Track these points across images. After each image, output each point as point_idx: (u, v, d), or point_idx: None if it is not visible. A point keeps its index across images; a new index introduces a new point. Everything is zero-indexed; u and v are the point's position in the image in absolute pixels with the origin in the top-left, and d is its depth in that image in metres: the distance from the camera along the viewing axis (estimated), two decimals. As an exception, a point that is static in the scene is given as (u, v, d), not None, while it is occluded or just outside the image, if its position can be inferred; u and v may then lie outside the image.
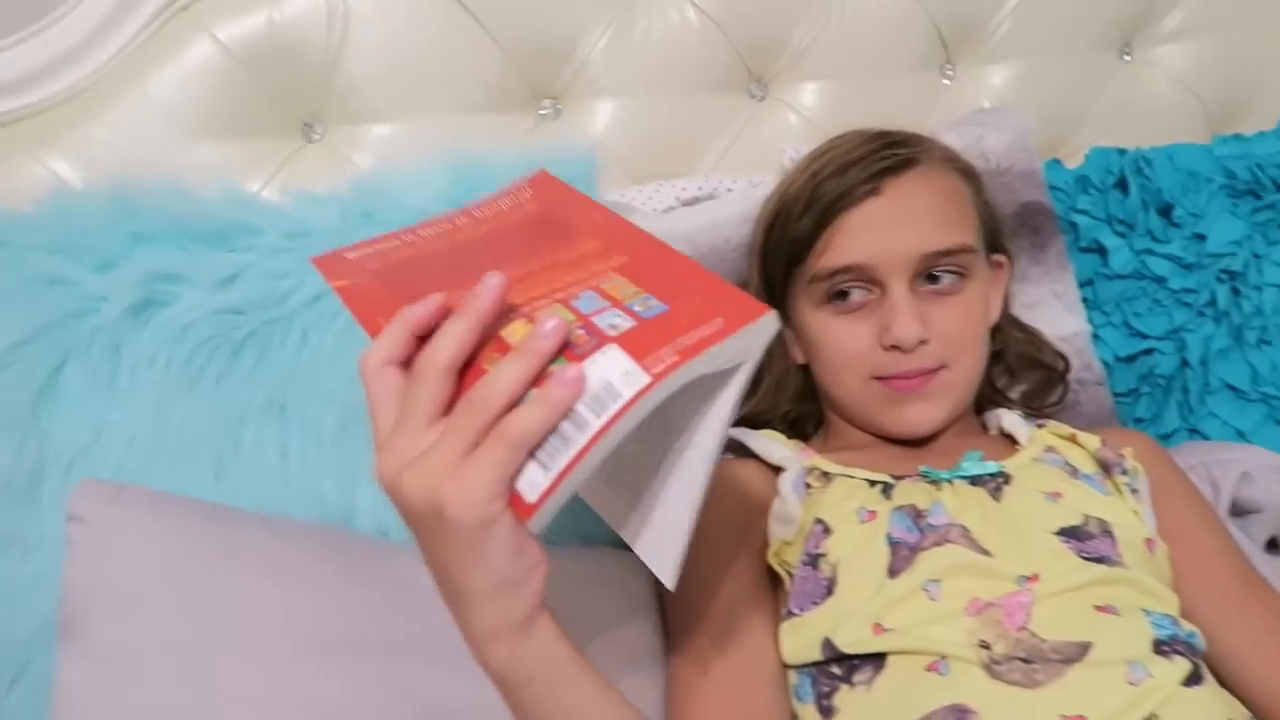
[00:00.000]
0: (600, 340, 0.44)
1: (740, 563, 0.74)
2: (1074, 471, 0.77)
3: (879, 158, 0.80)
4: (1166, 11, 1.31)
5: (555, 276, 0.49)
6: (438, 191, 0.82)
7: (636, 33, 1.10)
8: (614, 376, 0.42)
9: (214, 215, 0.84)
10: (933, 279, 0.80)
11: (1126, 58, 1.32)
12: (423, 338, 0.46)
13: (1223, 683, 0.68)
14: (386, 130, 1.04)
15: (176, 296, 0.80)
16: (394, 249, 0.56)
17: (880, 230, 0.79)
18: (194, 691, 0.64)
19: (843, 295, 0.81)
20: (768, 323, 0.45)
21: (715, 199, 1.02)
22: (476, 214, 0.59)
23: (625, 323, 0.45)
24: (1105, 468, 0.78)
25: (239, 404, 0.79)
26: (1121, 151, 1.11)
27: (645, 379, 0.42)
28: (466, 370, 0.45)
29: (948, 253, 0.79)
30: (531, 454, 0.43)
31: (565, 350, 0.44)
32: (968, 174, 0.86)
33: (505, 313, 0.46)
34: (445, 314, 0.46)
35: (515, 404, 0.43)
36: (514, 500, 0.43)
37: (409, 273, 0.53)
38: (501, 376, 0.43)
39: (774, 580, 0.75)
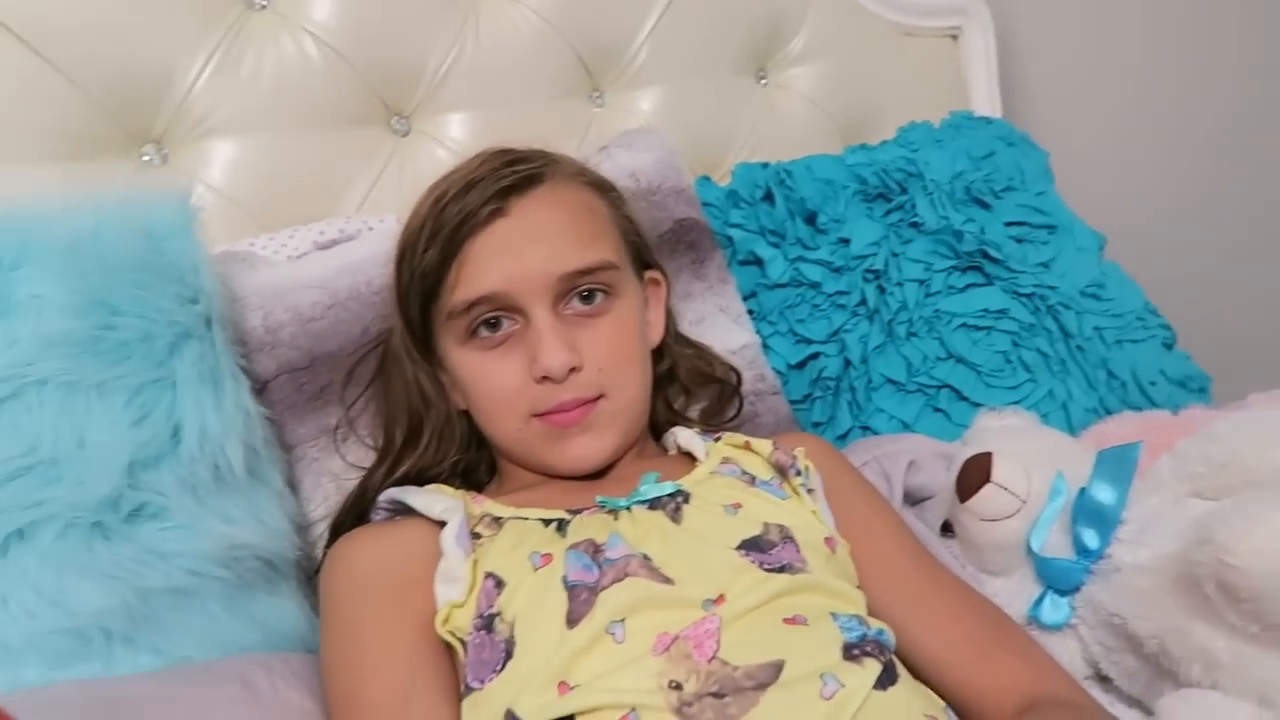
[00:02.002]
0: None
1: (405, 643, 0.64)
2: (752, 480, 0.75)
3: (500, 176, 0.74)
4: (790, 37, 1.39)
5: None
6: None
7: (245, 66, 0.99)
8: None
9: None
10: (578, 300, 0.75)
11: (763, 81, 1.38)
12: None
13: (916, 673, 0.67)
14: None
15: None
16: None
17: (511, 254, 0.73)
18: None
19: (489, 328, 0.74)
20: None
21: (355, 240, 0.92)
22: None
23: None
24: (781, 471, 0.76)
25: None
26: (765, 165, 1.14)
27: None
28: None
29: (587, 271, 0.74)
30: None
31: None
32: (601, 188, 0.83)
33: None
34: None
35: None
36: None
37: None
38: None
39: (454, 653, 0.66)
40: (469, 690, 0.62)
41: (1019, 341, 1.04)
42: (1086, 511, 0.83)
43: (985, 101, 1.50)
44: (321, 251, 0.91)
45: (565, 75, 1.20)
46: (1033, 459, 0.87)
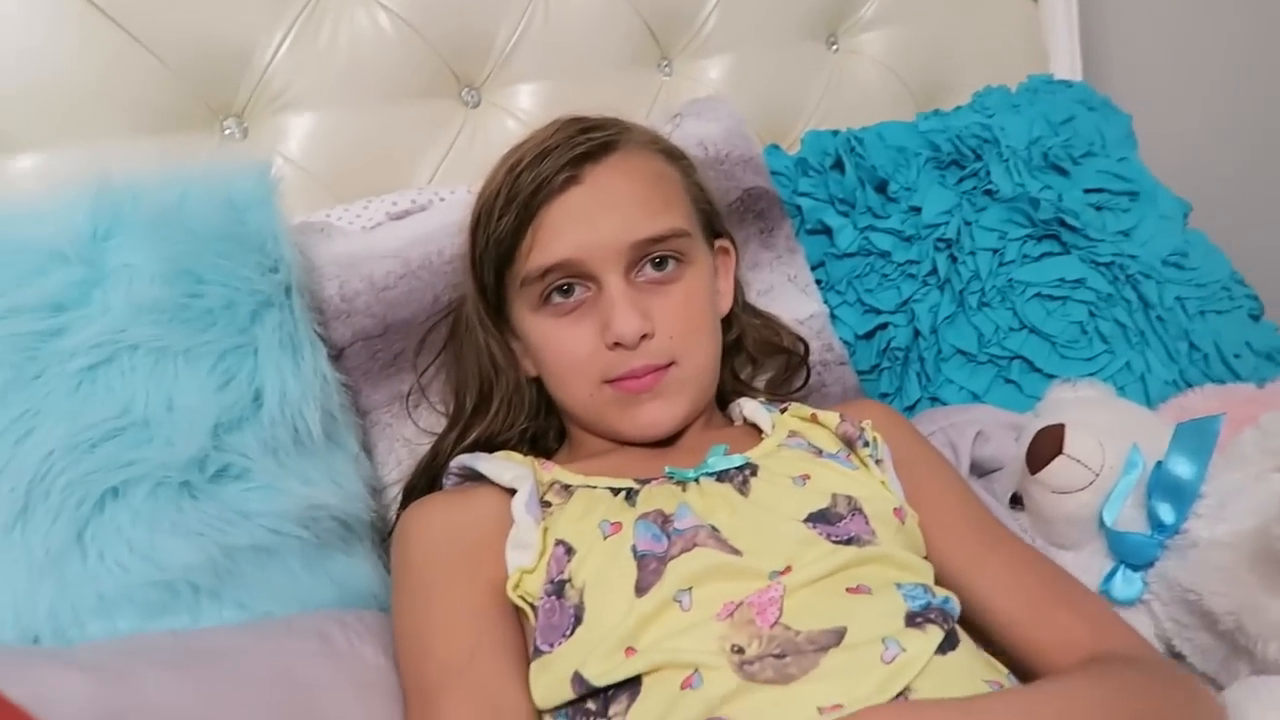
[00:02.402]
0: None
1: (473, 605, 0.66)
2: (819, 452, 0.75)
3: (575, 144, 0.74)
4: (863, 1, 1.36)
5: None
6: (74, 226, 0.69)
7: (321, 40, 1.01)
8: None
9: None
10: (651, 267, 0.75)
11: (834, 46, 1.36)
12: None
13: (980, 635, 0.67)
14: (27, 162, 0.89)
15: None
16: None
17: (585, 221, 0.73)
18: None
19: (562, 294, 0.75)
20: None
21: (427, 210, 0.94)
22: None
23: None
24: (848, 443, 0.76)
25: None
26: (835, 133, 1.13)
27: None
28: None
29: (659, 239, 0.75)
30: None
31: None
32: (673, 156, 0.83)
33: None
34: None
35: None
36: None
37: None
38: None
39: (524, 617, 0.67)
40: (538, 653, 0.63)
41: (1096, 312, 1.01)
42: (1163, 485, 0.81)
43: (1066, 64, 1.45)
44: (395, 222, 0.93)
45: (634, 44, 1.20)
46: (1107, 431, 0.85)
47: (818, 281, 1.04)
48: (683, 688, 0.57)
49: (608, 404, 0.76)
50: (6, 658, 0.61)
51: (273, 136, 1.01)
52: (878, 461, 0.75)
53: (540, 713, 0.64)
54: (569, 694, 0.60)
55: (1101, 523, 0.83)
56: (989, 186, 1.07)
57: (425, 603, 0.67)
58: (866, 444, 0.76)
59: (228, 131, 1.00)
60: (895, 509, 0.71)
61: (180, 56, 0.94)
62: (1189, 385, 1.02)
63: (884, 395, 1.04)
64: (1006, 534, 0.76)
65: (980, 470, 0.92)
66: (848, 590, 0.62)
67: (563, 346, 0.76)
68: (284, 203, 0.80)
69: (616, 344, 0.73)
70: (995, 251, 1.03)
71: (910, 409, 1.02)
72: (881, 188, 1.08)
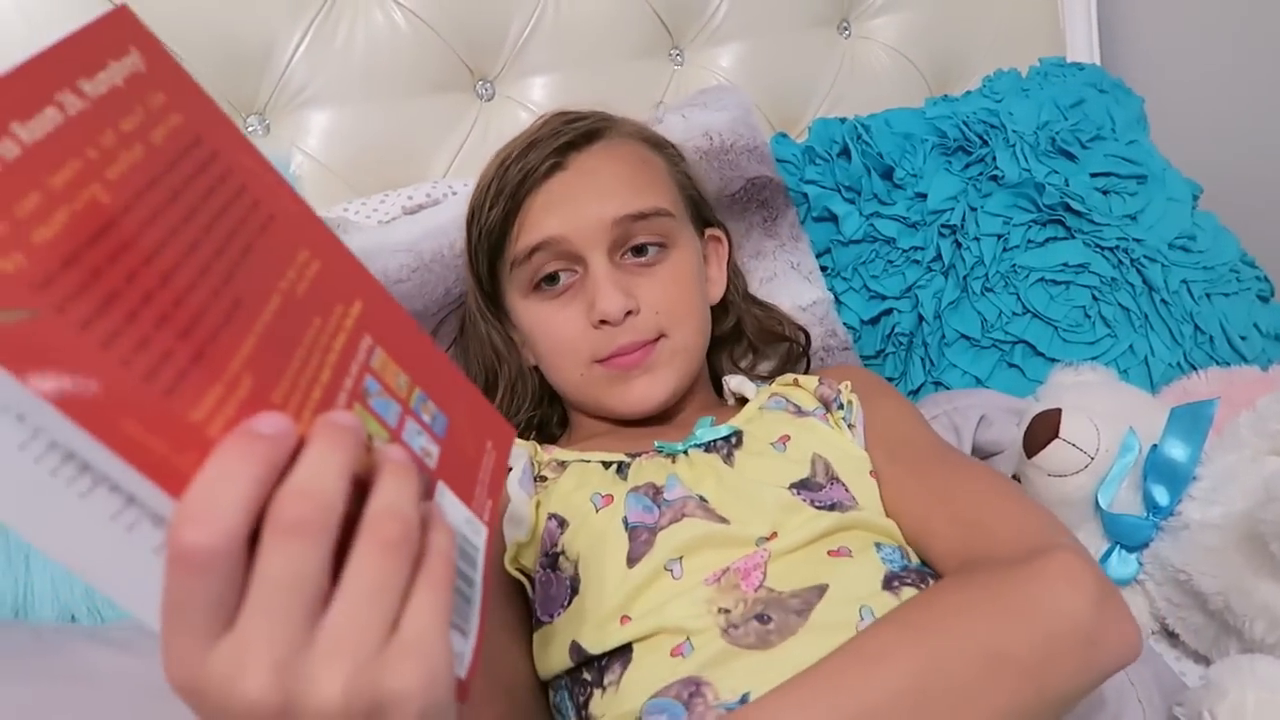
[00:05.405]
0: (428, 475, 0.36)
1: None
2: (798, 410, 0.77)
3: (560, 134, 0.77)
4: (876, -14, 1.37)
5: (308, 325, 0.34)
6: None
7: (339, 39, 1.04)
8: (460, 524, 0.36)
9: None
10: (636, 252, 0.78)
11: (845, 32, 1.37)
12: None
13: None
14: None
15: None
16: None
17: (569, 202, 0.76)
18: None
19: (549, 280, 0.78)
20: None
21: (440, 204, 0.97)
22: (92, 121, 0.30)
23: (431, 446, 0.37)
24: (825, 404, 0.78)
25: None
26: (842, 121, 1.14)
27: (483, 531, 0.37)
28: None
29: (641, 216, 0.76)
30: None
31: None
32: (658, 145, 0.85)
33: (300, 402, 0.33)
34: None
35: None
36: None
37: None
38: (398, 504, 0.32)
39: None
40: (539, 624, 0.66)
41: (1099, 296, 1.02)
42: (1158, 468, 0.82)
43: (1084, 47, 1.44)
44: (408, 216, 0.95)
45: (645, 34, 1.22)
46: (1104, 415, 0.86)
47: (824, 268, 1.05)
48: (673, 655, 0.60)
49: (599, 382, 0.78)
50: (47, 634, 0.65)
51: (294, 132, 1.05)
52: (850, 426, 0.76)
53: (544, 684, 0.67)
54: (568, 663, 0.63)
55: (1097, 505, 0.84)
56: (995, 172, 1.08)
57: None
58: (841, 406, 0.77)
59: (251, 129, 1.04)
60: (870, 472, 0.73)
61: (203, 56, 0.98)
62: (1194, 368, 1.02)
63: (888, 380, 1.05)
64: (908, 451, 0.74)
65: (982, 454, 0.93)
66: (829, 553, 0.64)
67: (552, 328, 0.78)
68: (304, 198, 0.83)
69: (602, 322, 0.75)
70: (999, 237, 1.04)
71: (914, 393, 1.03)
72: (888, 174, 1.09)
